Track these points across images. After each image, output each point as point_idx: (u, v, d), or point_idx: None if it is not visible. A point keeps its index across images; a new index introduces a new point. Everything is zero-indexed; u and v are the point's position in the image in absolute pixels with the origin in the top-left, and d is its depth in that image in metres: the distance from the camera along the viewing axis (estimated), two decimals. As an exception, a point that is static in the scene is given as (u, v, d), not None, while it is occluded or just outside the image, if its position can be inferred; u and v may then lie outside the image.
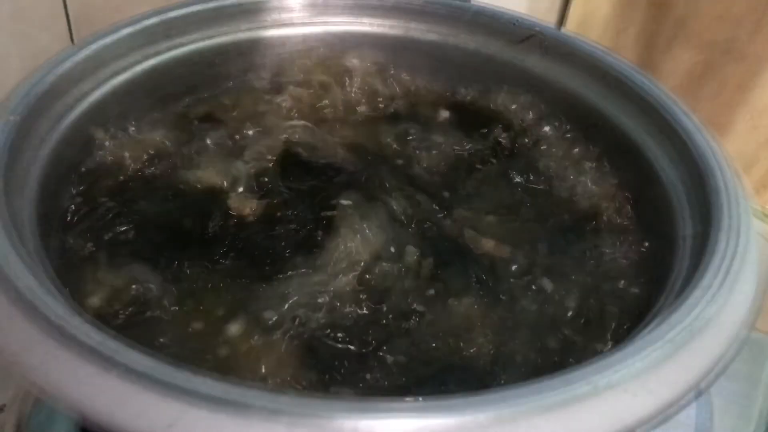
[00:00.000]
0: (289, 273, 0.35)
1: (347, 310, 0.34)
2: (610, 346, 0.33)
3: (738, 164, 0.77)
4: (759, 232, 0.76)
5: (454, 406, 0.23)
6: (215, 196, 0.39)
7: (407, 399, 0.23)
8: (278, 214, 0.38)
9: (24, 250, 0.28)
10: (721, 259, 0.29)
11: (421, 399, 0.23)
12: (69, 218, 0.37)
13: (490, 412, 0.23)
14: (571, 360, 0.33)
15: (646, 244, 0.38)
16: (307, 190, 0.39)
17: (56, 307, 0.25)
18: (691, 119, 0.38)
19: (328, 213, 0.37)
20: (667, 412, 0.24)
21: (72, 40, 0.62)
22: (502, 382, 0.32)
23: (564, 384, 0.24)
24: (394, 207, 0.38)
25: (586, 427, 0.23)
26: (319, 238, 0.37)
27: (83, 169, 0.38)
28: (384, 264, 0.36)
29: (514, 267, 0.37)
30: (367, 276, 0.35)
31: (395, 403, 0.23)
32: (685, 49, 0.79)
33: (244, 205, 0.38)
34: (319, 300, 0.34)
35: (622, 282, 0.37)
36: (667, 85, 0.80)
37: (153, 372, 0.23)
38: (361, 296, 0.35)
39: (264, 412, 0.22)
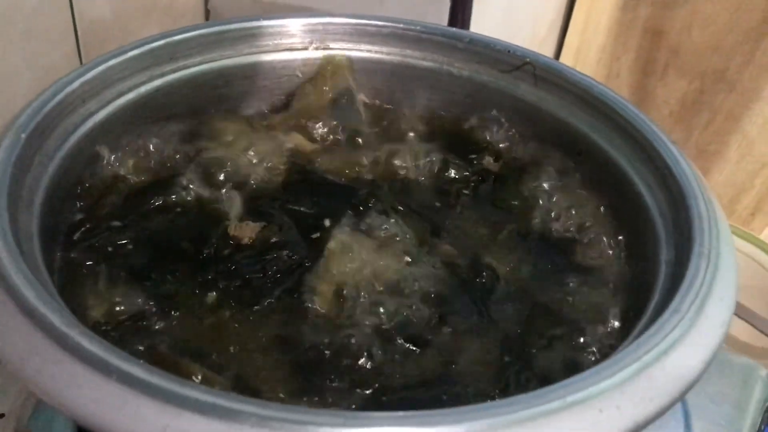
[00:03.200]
0: (280, 297, 0.37)
1: (340, 332, 0.35)
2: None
3: (727, 191, 0.78)
4: (748, 254, 0.77)
5: (431, 418, 0.24)
6: (215, 219, 0.40)
7: (387, 412, 0.25)
8: (275, 239, 0.39)
9: (29, 263, 0.30)
10: (691, 284, 0.31)
11: (401, 413, 0.25)
12: (72, 233, 0.38)
13: (465, 425, 0.24)
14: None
15: (632, 267, 0.40)
16: (306, 214, 0.41)
17: (58, 317, 0.26)
18: (673, 148, 0.40)
19: (321, 235, 0.39)
20: (633, 427, 0.26)
21: (80, 57, 0.64)
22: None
23: (535, 399, 0.25)
24: (389, 229, 0.40)
25: (556, 439, 0.24)
26: (313, 263, 0.38)
27: (87, 185, 0.40)
28: (379, 288, 0.37)
29: (500, 290, 0.39)
30: (362, 300, 0.37)
31: (376, 415, 0.25)
32: (678, 77, 0.81)
33: (243, 231, 0.39)
34: (310, 322, 0.36)
35: (609, 307, 0.38)
36: (659, 114, 0.82)
37: (149, 378, 0.24)
38: (355, 319, 0.36)
39: (254, 419, 0.23)
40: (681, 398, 0.27)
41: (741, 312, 0.71)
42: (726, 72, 0.78)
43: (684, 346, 0.28)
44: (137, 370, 0.25)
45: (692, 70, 0.80)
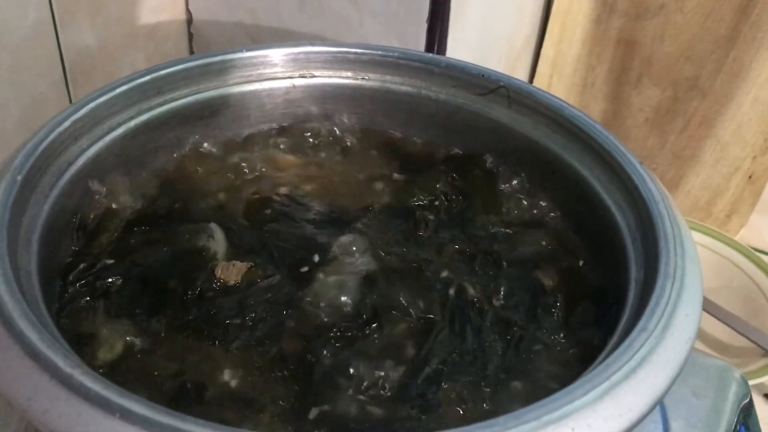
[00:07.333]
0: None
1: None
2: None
3: (704, 194, 0.80)
4: (725, 256, 0.79)
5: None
6: (204, 257, 0.41)
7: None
8: (260, 279, 0.40)
9: (30, 302, 0.31)
10: (657, 303, 0.32)
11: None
12: (68, 270, 0.39)
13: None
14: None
15: (604, 287, 0.42)
16: (291, 247, 0.42)
17: (62, 359, 0.28)
18: (641, 169, 0.41)
19: (306, 269, 0.41)
20: (604, 444, 0.27)
21: (68, 86, 0.65)
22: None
23: (512, 421, 0.27)
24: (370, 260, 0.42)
25: (532, 459, 0.26)
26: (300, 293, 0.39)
27: (82, 221, 0.41)
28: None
29: (477, 312, 0.40)
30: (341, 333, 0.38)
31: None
32: (652, 86, 0.83)
33: (230, 273, 0.40)
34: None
35: (582, 324, 0.40)
36: (635, 121, 0.84)
37: (149, 415, 0.26)
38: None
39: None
40: (650, 412, 0.29)
41: (718, 313, 0.73)
42: (698, 79, 0.80)
43: (651, 363, 0.30)
44: (138, 407, 0.26)
45: (665, 78, 0.82)
